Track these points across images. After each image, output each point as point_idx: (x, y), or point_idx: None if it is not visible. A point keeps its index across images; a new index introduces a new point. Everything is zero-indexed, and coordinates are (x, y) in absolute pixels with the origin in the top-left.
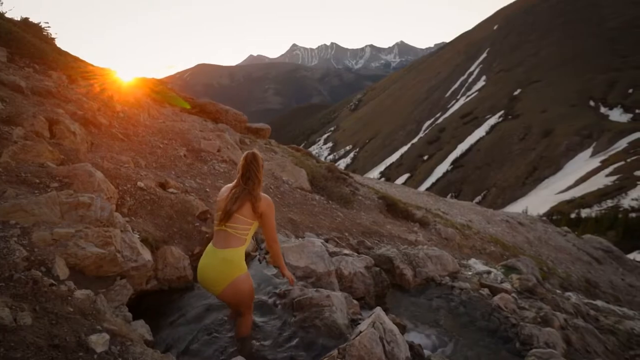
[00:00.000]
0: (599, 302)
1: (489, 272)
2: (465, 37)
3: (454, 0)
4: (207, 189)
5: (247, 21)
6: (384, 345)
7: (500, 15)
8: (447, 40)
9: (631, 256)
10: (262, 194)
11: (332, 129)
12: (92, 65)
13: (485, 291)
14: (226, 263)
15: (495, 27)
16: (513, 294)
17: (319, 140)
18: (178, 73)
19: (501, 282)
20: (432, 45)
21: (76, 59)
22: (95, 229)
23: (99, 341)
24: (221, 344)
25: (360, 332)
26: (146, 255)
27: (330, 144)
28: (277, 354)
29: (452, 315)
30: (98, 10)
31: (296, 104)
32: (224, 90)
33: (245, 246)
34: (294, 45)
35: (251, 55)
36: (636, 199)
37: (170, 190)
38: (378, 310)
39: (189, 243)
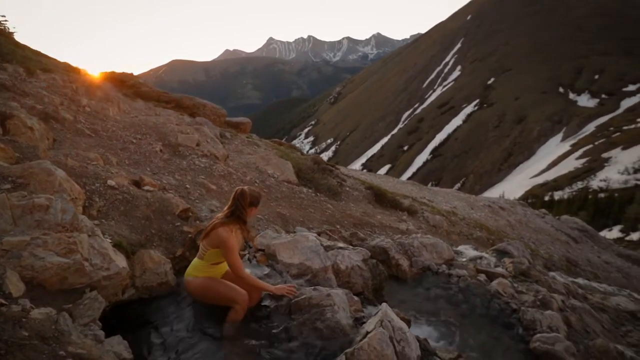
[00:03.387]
0: (580, 280)
1: (481, 258)
2: (440, 27)
3: None
4: (188, 185)
5: (222, 15)
6: (394, 346)
7: (474, 5)
8: (423, 31)
9: (602, 234)
10: (220, 231)
11: (313, 122)
12: (55, 60)
13: (482, 277)
14: (189, 266)
15: (468, 17)
16: (509, 279)
17: (300, 134)
18: (152, 70)
19: (495, 267)
20: (407, 37)
21: (37, 53)
22: (56, 235)
23: None
24: (211, 356)
25: (368, 332)
26: (120, 262)
27: (311, 138)
28: None
29: (451, 304)
30: (62, 9)
31: (275, 98)
32: (200, 87)
33: (203, 262)
34: (271, 38)
35: (227, 50)
36: (604, 180)
37: (146, 188)
38: (385, 307)
39: (169, 245)
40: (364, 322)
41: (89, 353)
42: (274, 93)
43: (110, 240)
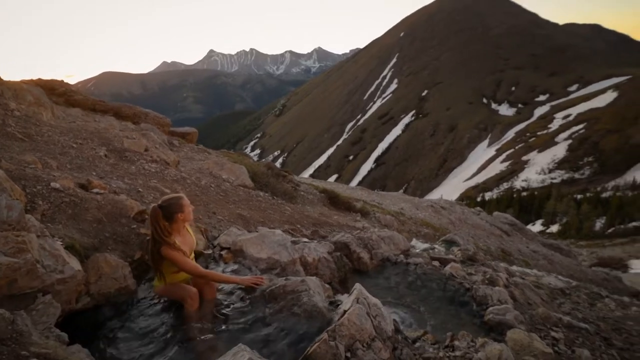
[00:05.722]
0: (515, 267)
1: (433, 248)
2: (377, 43)
3: (364, 6)
4: (140, 189)
5: (158, 25)
6: (372, 320)
7: (406, 22)
8: (361, 46)
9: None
10: (162, 251)
11: (259, 135)
12: None
13: (437, 263)
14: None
15: (402, 34)
16: (459, 263)
17: (246, 147)
18: (80, 83)
19: (446, 255)
20: (348, 51)
21: None
22: (2, 234)
23: None
24: (183, 356)
25: (345, 311)
26: (74, 264)
27: (258, 151)
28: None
29: (411, 290)
30: None
31: (219, 111)
32: (137, 100)
33: (165, 272)
34: (212, 51)
35: (165, 62)
36: (525, 180)
37: (95, 190)
38: (358, 286)
39: (126, 248)
40: (339, 305)
41: (54, 353)
42: (217, 106)
43: (61, 243)
